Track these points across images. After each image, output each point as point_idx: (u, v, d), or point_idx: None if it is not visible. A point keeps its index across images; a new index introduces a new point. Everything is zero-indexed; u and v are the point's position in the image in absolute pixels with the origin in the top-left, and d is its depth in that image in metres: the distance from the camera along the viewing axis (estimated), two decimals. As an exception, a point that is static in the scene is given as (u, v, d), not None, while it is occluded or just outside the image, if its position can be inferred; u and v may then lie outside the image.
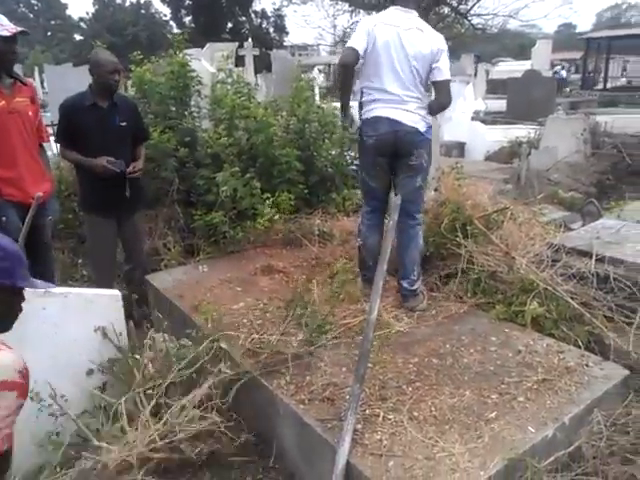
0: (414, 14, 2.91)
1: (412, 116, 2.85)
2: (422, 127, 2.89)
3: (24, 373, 1.37)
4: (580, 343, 2.62)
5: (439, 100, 2.99)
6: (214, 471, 2.28)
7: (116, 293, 2.45)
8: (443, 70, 2.89)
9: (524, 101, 12.09)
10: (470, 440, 1.94)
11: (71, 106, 3.30)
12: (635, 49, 23.94)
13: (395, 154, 2.91)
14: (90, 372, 2.36)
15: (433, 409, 2.12)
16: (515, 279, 2.98)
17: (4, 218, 2.86)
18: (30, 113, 3.03)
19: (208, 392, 2.28)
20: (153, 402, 2.24)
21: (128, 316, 2.82)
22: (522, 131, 9.70)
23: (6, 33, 2.76)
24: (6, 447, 1.33)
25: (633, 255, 3.14)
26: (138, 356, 2.42)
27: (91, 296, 2.37)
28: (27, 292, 2.05)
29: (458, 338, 2.66)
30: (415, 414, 2.09)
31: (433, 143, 3.12)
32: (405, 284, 2.99)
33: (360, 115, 3.02)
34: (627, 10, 58.50)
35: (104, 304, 2.39)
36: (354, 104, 3.09)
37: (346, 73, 2.88)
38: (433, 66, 2.86)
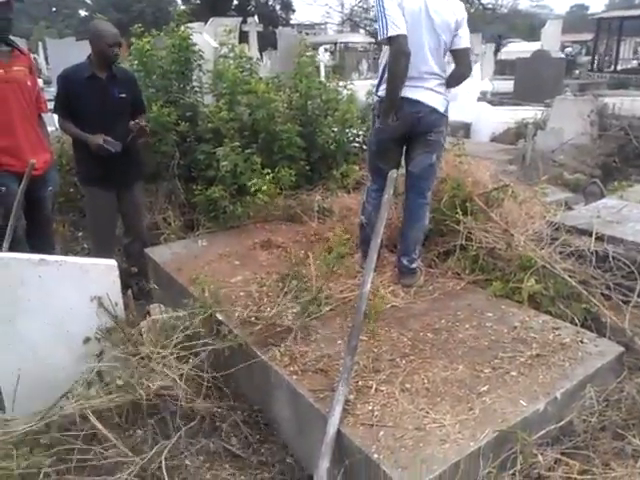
0: None
1: (433, 95, 2.78)
2: (442, 106, 2.83)
3: None
4: (577, 320, 2.61)
5: (460, 70, 2.91)
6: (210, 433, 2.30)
7: (112, 263, 2.45)
8: (464, 37, 2.82)
9: (532, 82, 11.93)
10: (461, 412, 1.95)
11: (69, 76, 3.28)
12: (647, 31, 23.50)
13: (412, 133, 2.84)
14: (87, 340, 2.37)
15: (426, 382, 2.13)
16: (513, 256, 2.97)
17: (3, 188, 2.87)
18: (28, 82, 3.02)
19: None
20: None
21: (127, 289, 2.84)
22: (529, 112, 9.58)
23: None
24: None
25: (633, 234, 3.12)
26: (133, 326, 2.43)
27: (87, 265, 2.38)
28: (20, 260, 2.08)
29: (454, 314, 2.66)
30: (407, 386, 2.10)
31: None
32: (405, 261, 2.98)
33: (377, 92, 2.93)
34: (641, -9, 57.33)
35: (100, 273, 2.39)
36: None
37: (406, 62, 2.61)
38: (455, 34, 2.79)
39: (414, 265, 2.99)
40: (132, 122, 3.32)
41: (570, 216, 3.51)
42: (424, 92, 2.75)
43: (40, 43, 13.08)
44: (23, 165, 2.90)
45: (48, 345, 2.31)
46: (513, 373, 2.17)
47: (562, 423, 2.03)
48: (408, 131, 2.83)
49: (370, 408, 1.99)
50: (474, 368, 2.21)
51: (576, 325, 2.57)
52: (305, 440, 2.16)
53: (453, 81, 2.91)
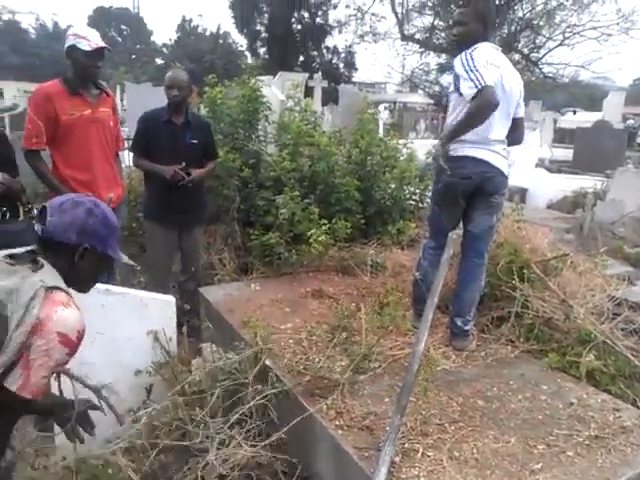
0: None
1: (499, 158, 2.83)
2: (507, 170, 2.87)
3: (80, 335, 1.48)
4: (639, 403, 2.48)
5: (516, 136, 2.98)
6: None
7: (170, 299, 2.53)
8: (522, 107, 2.94)
9: (592, 152, 11.79)
10: (512, 489, 1.86)
11: (148, 119, 3.52)
12: None
13: (477, 193, 2.86)
14: (138, 372, 2.43)
15: (475, 451, 2.05)
16: (571, 328, 2.88)
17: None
18: (111, 123, 3.23)
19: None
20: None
21: (179, 325, 2.91)
22: (588, 182, 9.43)
23: (87, 48, 2.97)
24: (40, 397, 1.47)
25: (703, 316, 2.97)
26: (185, 363, 2.47)
27: (147, 299, 2.46)
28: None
29: (507, 382, 2.57)
30: (456, 454, 2.03)
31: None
32: (459, 322, 2.93)
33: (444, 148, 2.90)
34: None
35: (158, 308, 2.47)
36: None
37: (491, 114, 2.63)
38: (517, 103, 2.89)
39: (467, 327, 2.93)
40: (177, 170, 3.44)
41: (634, 292, 3.40)
42: (491, 154, 2.80)
43: (118, 86, 14.04)
44: (98, 199, 3.07)
45: (103, 372, 2.36)
46: (569, 453, 2.06)
47: (622, 514, 1.90)
48: (475, 190, 2.84)
49: (416, 473, 1.92)
50: (527, 443, 2.12)
51: (638, 408, 2.43)
52: (345, 499, 2.10)
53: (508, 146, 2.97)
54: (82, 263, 1.59)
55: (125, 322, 2.41)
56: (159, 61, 38.19)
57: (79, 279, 1.62)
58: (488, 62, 2.69)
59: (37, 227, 1.58)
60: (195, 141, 3.53)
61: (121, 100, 13.67)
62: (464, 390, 2.48)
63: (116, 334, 2.40)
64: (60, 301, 1.46)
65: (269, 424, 2.41)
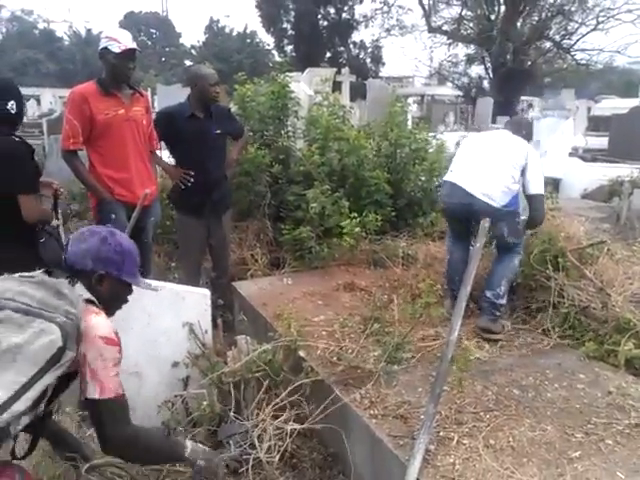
0: None
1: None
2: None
3: (117, 334, 1.69)
4: (680, 391, 2.42)
5: (532, 216, 3.20)
6: (287, 475, 2.30)
7: (205, 292, 2.58)
8: (532, 182, 3.16)
9: (628, 139, 11.43)
10: (550, 477, 1.85)
11: (171, 115, 3.61)
12: None
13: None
14: (175, 364, 2.49)
15: (511, 440, 2.04)
16: (609, 317, 2.82)
17: (114, 216, 3.11)
18: (144, 122, 3.31)
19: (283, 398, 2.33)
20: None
21: (213, 320, 2.97)
22: (624, 170, 9.16)
23: (117, 49, 3.05)
24: (122, 391, 1.68)
25: None
26: (220, 355, 2.52)
27: (182, 292, 2.52)
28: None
29: (542, 372, 2.54)
30: (491, 442, 2.02)
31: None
32: (488, 294, 2.95)
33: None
34: None
35: (194, 301, 2.52)
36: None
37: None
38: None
39: (498, 301, 2.93)
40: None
41: (674, 279, 3.28)
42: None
43: (149, 89, 14.32)
44: (133, 197, 3.15)
45: (141, 364, 2.44)
46: (608, 441, 2.03)
47: (664, 502, 1.86)
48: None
49: (451, 461, 1.93)
50: (564, 431, 2.09)
51: (680, 396, 2.37)
52: (381, 487, 2.11)
53: None
54: (101, 288, 1.75)
55: (161, 315, 2.47)
56: (188, 63, 38.72)
57: (103, 301, 1.75)
58: None
59: (63, 258, 1.77)
60: (219, 131, 3.60)
61: (152, 102, 13.94)
62: (499, 379, 2.47)
63: (153, 327, 2.46)
64: (92, 310, 1.66)
65: (304, 415, 2.45)
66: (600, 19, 24.24)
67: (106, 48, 3.10)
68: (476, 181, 2.95)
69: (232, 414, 2.29)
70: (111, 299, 1.82)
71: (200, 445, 1.96)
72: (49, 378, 1.49)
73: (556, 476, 1.85)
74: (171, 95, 8.55)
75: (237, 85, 4.94)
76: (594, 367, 2.60)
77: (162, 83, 16.31)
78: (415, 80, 32.79)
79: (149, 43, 44.63)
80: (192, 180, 3.54)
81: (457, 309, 2.24)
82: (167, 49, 44.59)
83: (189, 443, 1.90)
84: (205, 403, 2.27)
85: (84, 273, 1.72)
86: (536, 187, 3.05)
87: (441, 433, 2.07)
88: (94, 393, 1.60)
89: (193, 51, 39.66)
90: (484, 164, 3.02)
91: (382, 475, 2.10)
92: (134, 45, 3.15)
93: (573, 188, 9.33)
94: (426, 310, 2.74)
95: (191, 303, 2.53)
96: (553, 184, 9.36)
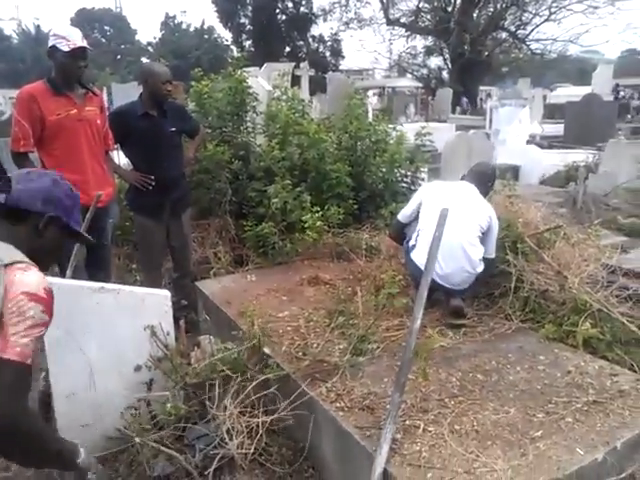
0: None
1: None
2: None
3: (48, 291, 1.47)
4: (635, 367, 2.50)
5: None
6: (255, 473, 2.29)
7: (166, 293, 2.53)
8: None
9: (583, 125, 11.80)
10: (513, 457, 1.88)
11: (124, 114, 3.52)
12: None
13: None
14: (138, 368, 2.44)
15: (475, 424, 2.06)
16: (567, 299, 2.89)
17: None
18: (98, 121, 3.22)
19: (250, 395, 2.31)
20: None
21: (176, 321, 2.92)
22: (580, 155, 9.44)
23: (66, 48, 2.96)
24: (29, 362, 1.40)
25: (696, 279, 2.98)
26: (184, 356, 2.48)
27: (142, 294, 2.46)
28: (81, 287, 2.16)
29: (505, 355, 2.59)
30: (457, 427, 2.04)
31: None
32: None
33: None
34: (697, 35, 56.39)
35: (154, 303, 2.47)
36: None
37: None
38: None
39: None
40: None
41: (627, 259, 3.42)
42: None
43: (105, 87, 13.97)
44: (88, 199, 3.05)
45: (102, 371, 2.38)
46: (568, 419, 2.08)
47: (623, 475, 1.92)
48: None
49: (418, 448, 1.94)
50: (526, 412, 2.13)
51: (635, 372, 2.46)
52: (350, 479, 2.12)
53: None
54: (46, 233, 1.58)
55: (121, 318, 2.41)
56: (145, 60, 37.96)
57: (41, 251, 1.59)
58: None
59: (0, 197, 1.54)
60: (174, 129, 3.54)
61: (109, 102, 13.60)
62: (463, 365, 2.50)
63: (113, 331, 2.40)
64: (17, 268, 1.44)
65: (271, 412, 2.44)
66: (553, 9, 24.92)
67: (54, 47, 3.00)
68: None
69: (198, 415, 2.27)
70: (51, 249, 1.65)
71: (93, 457, 1.73)
72: None
73: (519, 456, 1.88)
74: (127, 93, 8.35)
75: (193, 82, 4.87)
76: (554, 348, 2.66)
77: (118, 81, 15.93)
78: (375, 72, 33.01)
79: (103, 40, 43.49)
80: (152, 183, 3.46)
81: (419, 298, 2.25)
82: (122, 46, 43.52)
83: (83, 451, 1.65)
84: (169, 405, 2.23)
85: (28, 215, 1.55)
86: (494, 251, 3.13)
87: (407, 422, 2.08)
88: None
89: (150, 48, 38.94)
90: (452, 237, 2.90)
91: (351, 467, 2.11)
92: (84, 43, 3.05)
93: (531, 174, 9.56)
94: (389, 301, 2.76)
95: (151, 305, 2.48)
96: (512, 171, 9.58)
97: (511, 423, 2.07)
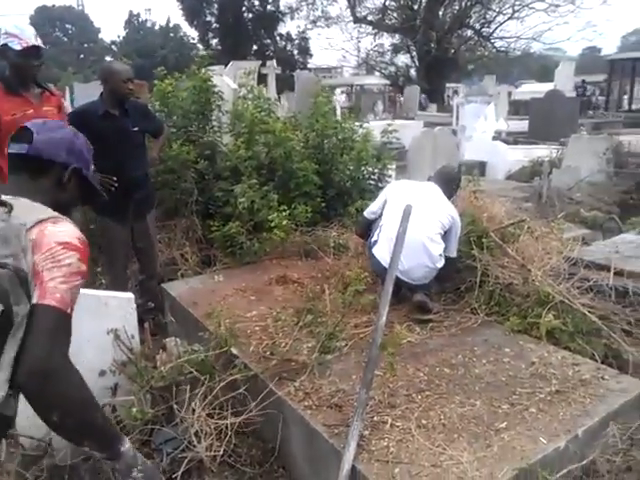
0: None
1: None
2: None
3: (82, 241, 1.37)
4: (597, 357, 2.56)
5: None
6: (224, 475, 2.27)
7: (129, 296, 2.49)
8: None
9: (546, 121, 12.04)
10: (479, 449, 1.91)
11: (84, 114, 3.43)
12: (662, 71, 23.63)
13: None
14: (102, 373, 2.39)
15: (442, 418, 2.09)
16: (531, 291, 2.95)
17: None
18: (56, 122, 3.13)
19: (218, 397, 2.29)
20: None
21: (143, 323, 2.88)
22: (544, 151, 9.63)
23: (18, 47, 2.87)
24: (70, 311, 1.31)
25: (653, 269, 3.08)
26: (149, 359, 2.44)
27: (105, 297, 2.42)
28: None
29: (471, 349, 2.63)
30: (424, 422, 2.06)
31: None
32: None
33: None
34: (653, 33, 58.18)
35: (117, 306, 2.43)
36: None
37: None
38: None
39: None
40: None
41: (588, 251, 3.49)
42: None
43: (67, 88, 13.65)
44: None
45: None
46: (532, 409, 2.12)
47: (584, 462, 1.96)
48: None
49: (385, 444, 1.95)
50: (492, 404, 2.17)
51: (596, 361, 2.52)
52: (319, 477, 2.11)
53: None
54: (69, 186, 1.50)
55: (84, 323, 2.34)
56: (109, 59, 37.28)
57: (64, 205, 1.49)
58: None
59: (18, 147, 1.45)
60: (137, 128, 3.47)
61: (71, 102, 13.31)
62: (430, 360, 2.53)
63: (76, 336, 2.32)
64: (47, 220, 1.33)
65: (240, 413, 2.42)
66: (516, 8, 25.36)
67: (6, 45, 2.90)
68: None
69: (165, 418, 2.23)
70: (72, 202, 1.56)
71: (140, 455, 1.46)
72: (11, 347, 1.20)
73: (484, 448, 1.91)
74: (89, 93, 8.15)
75: (157, 80, 4.79)
76: (518, 340, 2.71)
77: (81, 81, 15.59)
78: (344, 70, 33.07)
79: (65, 39, 42.55)
80: (115, 185, 3.38)
81: (384, 294, 2.27)
82: (85, 45, 42.65)
83: (128, 443, 1.40)
84: (135, 410, 2.19)
85: (51, 167, 1.46)
86: (455, 251, 3.18)
87: (375, 418, 2.09)
88: (35, 298, 1.24)
89: (113, 47, 38.16)
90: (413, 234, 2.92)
91: (320, 465, 2.10)
92: (38, 42, 2.96)
93: (498, 170, 9.72)
94: (356, 298, 2.77)
95: (114, 308, 2.43)
96: (479, 167, 9.74)
97: (477, 415, 2.10)
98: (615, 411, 2.13)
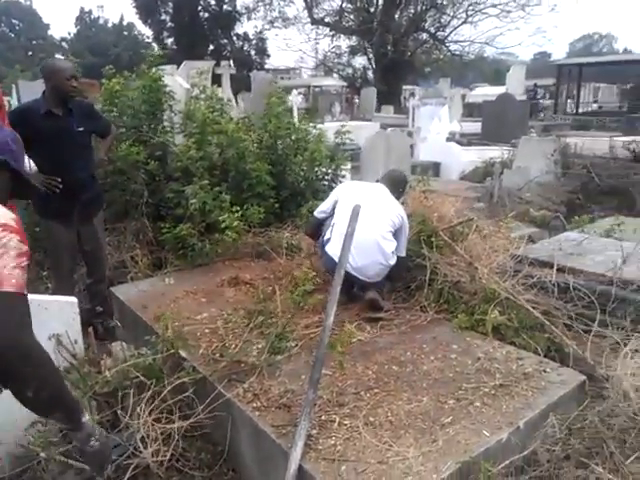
0: None
1: None
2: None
3: (18, 221, 1.44)
4: (540, 351, 2.64)
5: None
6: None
7: (72, 299, 2.41)
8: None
9: (498, 123, 12.36)
10: (424, 444, 1.94)
11: (25, 113, 3.32)
12: (606, 76, 24.74)
13: None
14: (43, 380, 2.30)
15: (390, 415, 2.11)
16: (478, 289, 3.02)
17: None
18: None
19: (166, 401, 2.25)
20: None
21: (90, 327, 2.80)
22: (496, 152, 9.87)
23: None
24: (26, 292, 1.41)
25: (593, 265, 3.21)
26: (94, 365, 2.38)
27: (45, 302, 2.33)
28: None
29: (420, 346, 2.66)
30: (371, 419, 2.08)
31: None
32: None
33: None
34: (598, 41, 60.77)
35: (59, 310, 2.35)
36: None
37: None
38: None
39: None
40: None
41: (533, 249, 3.59)
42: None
43: (14, 86, 13.12)
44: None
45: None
46: (477, 404, 2.17)
47: (526, 453, 2.02)
48: None
49: (333, 442, 1.96)
50: (438, 400, 2.20)
51: (539, 355, 2.60)
52: (268, 478, 2.10)
53: None
54: None
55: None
56: (59, 57, 36.14)
57: None
58: None
59: None
60: (82, 128, 3.37)
61: (18, 101, 12.84)
62: (379, 358, 2.55)
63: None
64: None
65: (189, 417, 2.38)
66: (469, 12, 25.90)
67: None
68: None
69: (111, 424, 2.18)
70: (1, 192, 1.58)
71: (97, 425, 1.70)
72: None
73: (430, 443, 1.94)
74: (36, 91, 7.88)
75: (105, 79, 4.67)
76: (466, 337, 2.76)
77: (29, 79, 15.04)
78: (302, 72, 33.09)
79: (12, 35, 41.00)
80: (60, 186, 3.27)
81: (332, 294, 2.28)
82: (34, 42, 41.18)
83: (87, 414, 1.62)
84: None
85: None
86: (404, 250, 3.22)
87: (323, 417, 2.10)
88: None
89: (64, 44, 37.04)
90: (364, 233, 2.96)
91: (269, 466, 2.09)
92: None
93: (452, 170, 9.92)
94: (304, 298, 2.77)
95: (56, 313, 2.35)
96: (434, 168, 9.92)
97: (424, 411, 2.13)
98: (555, 402, 2.20)
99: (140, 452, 2.08)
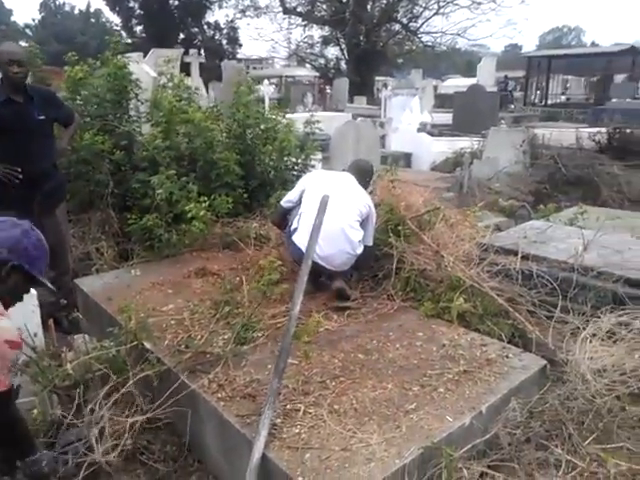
0: None
1: None
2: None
3: (19, 334, 1.78)
4: (504, 337, 2.69)
5: None
6: (137, 473, 2.21)
7: (31, 292, 2.35)
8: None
9: (469, 114, 12.47)
10: (388, 430, 1.95)
11: None
12: (574, 69, 25.16)
13: None
14: (2, 374, 2.25)
15: (354, 402, 2.12)
16: (444, 277, 3.05)
17: None
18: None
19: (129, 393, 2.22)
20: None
21: (56, 323, 2.74)
22: (466, 142, 9.97)
23: None
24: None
25: (555, 253, 3.27)
26: (55, 358, 2.33)
27: (2, 295, 2.27)
28: None
29: (386, 334, 2.68)
30: (336, 407, 2.09)
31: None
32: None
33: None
34: (567, 33, 61.83)
35: (17, 304, 2.28)
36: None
37: None
38: None
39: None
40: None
41: (498, 237, 3.65)
42: None
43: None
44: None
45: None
46: (440, 390, 2.20)
47: (487, 437, 2.06)
48: None
49: (297, 431, 1.96)
50: (403, 387, 2.23)
51: (503, 341, 2.64)
52: (234, 468, 2.09)
53: None
54: (8, 280, 1.77)
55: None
56: (23, 44, 35.10)
57: (5, 294, 1.78)
58: None
59: None
60: (43, 117, 3.27)
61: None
62: (345, 346, 2.56)
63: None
64: None
65: (154, 409, 2.35)
66: (441, 4, 26.01)
67: None
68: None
69: (69, 419, 2.13)
70: (12, 292, 1.85)
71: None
72: None
73: (393, 429, 1.96)
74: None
75: (67, 67, 4.55)
76: (431, 324, 2.79)
77: (-8, 67, 14.58)
78: (275, 62, 32.82)
79: (-28, 21, 39.57)
80: (20, 176, 3.18)
81: (299, 284, 2.28)
82: (-4, 29, 39.87)
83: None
84: (36, 411, 2.08)
85: None
86: (372, 239, 3.23)
87: (288, 406, 2.09)
88: None
89: (28, 30, 35.95)
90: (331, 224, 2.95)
91: (234, 456, 2.08)
92: None
93: (423, 161, 9.99)
94: (270, 288, 2.76)
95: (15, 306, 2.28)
96: (405, 158, 9.97)
97: (388, 398, 2.15)
98: (517, 387, 2.25)
99: (96, 447, 2.04)
